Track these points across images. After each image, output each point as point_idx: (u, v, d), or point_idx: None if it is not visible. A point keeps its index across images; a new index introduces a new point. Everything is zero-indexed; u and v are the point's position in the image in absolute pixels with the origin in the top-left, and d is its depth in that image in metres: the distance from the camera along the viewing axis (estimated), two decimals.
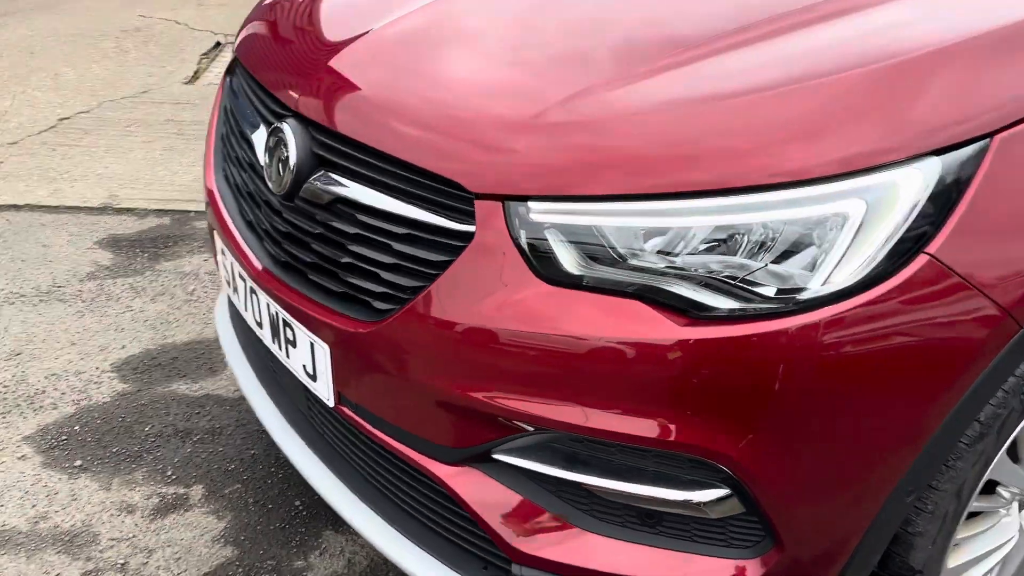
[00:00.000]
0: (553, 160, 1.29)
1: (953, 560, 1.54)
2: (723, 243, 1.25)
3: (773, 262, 1.24)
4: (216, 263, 1.96)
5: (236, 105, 1.89)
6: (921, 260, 1.21)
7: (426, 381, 1.36)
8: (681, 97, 1.32)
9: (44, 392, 2.53)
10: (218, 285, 3.01)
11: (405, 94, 1.47)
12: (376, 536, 1.56)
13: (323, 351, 1.51)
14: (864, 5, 1.42)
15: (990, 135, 1.24)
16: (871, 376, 1.23)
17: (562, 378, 1.25)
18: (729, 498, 1.28)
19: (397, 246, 1.39)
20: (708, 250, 1.25)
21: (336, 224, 1.47)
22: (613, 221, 1.27)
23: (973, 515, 1.57)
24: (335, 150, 1.50)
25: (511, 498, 1.37)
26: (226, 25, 5.73)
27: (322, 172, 1.52)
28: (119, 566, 1.98)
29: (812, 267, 1.22)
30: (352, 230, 1.45)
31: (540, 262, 1.27)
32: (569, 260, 1.27)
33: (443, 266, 1.32)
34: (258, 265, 1.67)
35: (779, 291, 1.23)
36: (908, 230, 1.21)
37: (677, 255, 1.26)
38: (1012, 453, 1.50)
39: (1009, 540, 1.63)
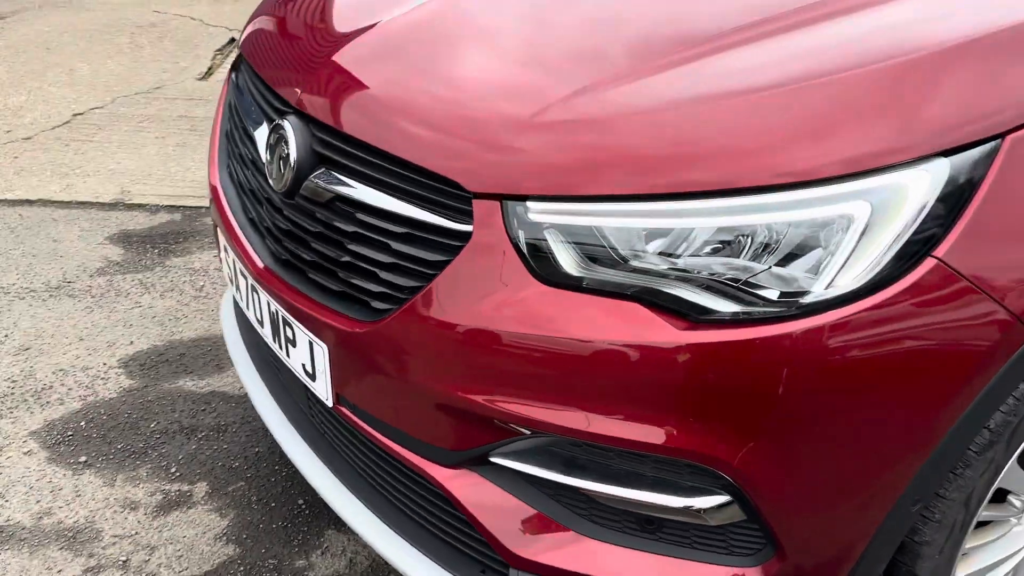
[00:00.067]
0: (552, 159, 1.27)
1: (962, 570, 1.50)
2: (726, 245, 1.22)
3: (777, 264, 1.21)
4: (220, 260, 1.95)
5: (240, 102, 1.88)
6: (928, 264, 1.18)
7: (423, 382, 1.34)
8: (684, 95, 1.29)
9: (51, 387, 2.53)
10: (226, 282, 3.01)
11: (404, 92, 1.45)
12: (374, 537, 1.55)
13: (322, 350, 1.49)
14: (873, 2, 1.39)
15: (1001, 136, 1.20)
16: (876, 383, 1.20)
17: (559, 381, 1.23)
18: (729, 505, 1.26)
19: (395, 245, 1.37)
20: (711, 252, 1.23)
21: (336, 222, 1.46)
22: (614, 222, 1.25)
23: (982, 524, 1.53)
24: (335, 147, 1.49)
25: (509, 502, 1.35)
26: (241, 21, 5.73)
27: (322, 170, 1.51)
28: (121, 563, 1.98)
29: (816, 270, 1.19)
30: (351, 229, 1.44)
31: (538, 263, 1.25)
32: (568, 261, 1.25)
33: (441, 266, 1.31)
34: (259, 263, 1.66)
35: (782, 294, 1.20)
36: (915, 233, 1.18)
37: (679, 256, 1.23)
38: (1023, 461, 1.47)
39: (1020, 550, 1.60)
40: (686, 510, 1.27)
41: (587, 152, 1.26)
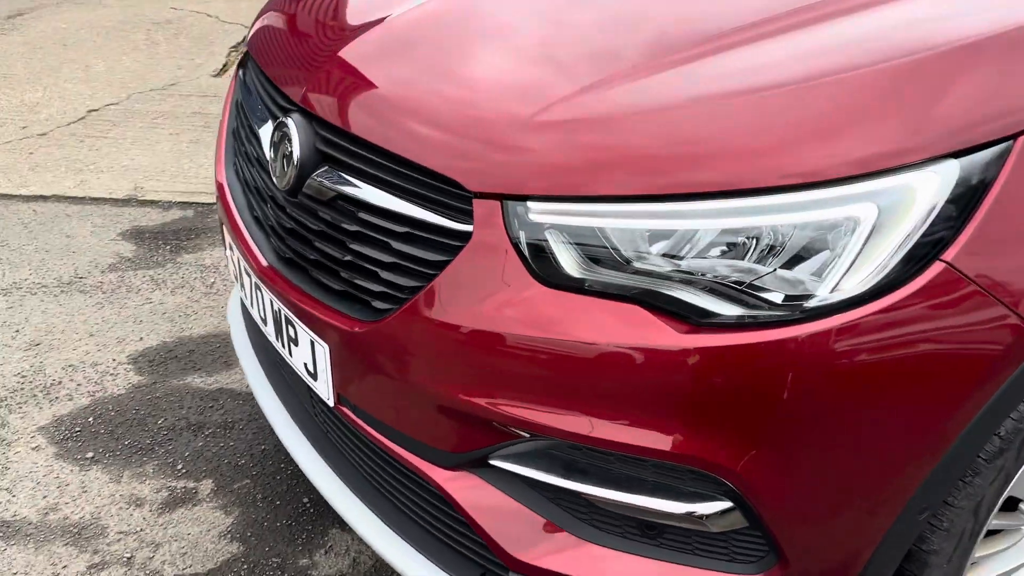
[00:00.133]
0: (553, 159, 1.25)
1: None
2: (731, 247, 1.20)
3: (782, 267, 1.19)
4: (226, 258, 1.95)
5: (247, 99, 1.87)
6: (937, 268, 1.15)
7: (421, 383, 1.33)
8: (688, 94, 1.27)
9: (60, 383, 2.54)
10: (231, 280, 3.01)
11: (406, 90, 1.44)
12: (374, 538, 1.54)
13: (323, 350, 1.49)
14: (884, 0, 1.36)
15: (1013, 137, 1.18)
16: (882, 389, 1.18)
17: (558, 384, 1.22)
18: (731, 512, 1.24)
19: (396, 245, 1.36)
20: (715, 254, 1.20)
21: (337, 221, 1.45)
22: (616, 222, 1.23)
23: (992, 533, 1.51)
24: (338, 146, 1.48)
25: (508, 505, 1.34)
26: None
27: (325, 168, 1.50)
28: (125, 560, 1.98)
29: (822, 273, 1.17)
30: (353, 227, 1.43)
31: (539, 264, 1.23)
32: (569, 262, 1.23)
33: (441, 266, 1.29)
34: (263, 261, 1.65)
35: (787, 298, 1.18)
36: (923, 236, 1.15)
37: (682, 258, 1.21)
38: None
39: None
40: (687, 516, 1.25)
41: (589, 152, 1.25)
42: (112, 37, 5.51)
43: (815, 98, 1.22)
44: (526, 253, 1.24)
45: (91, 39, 5.47)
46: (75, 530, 2.05)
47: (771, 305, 1.19)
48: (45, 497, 2.14)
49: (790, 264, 1.19)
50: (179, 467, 2.25)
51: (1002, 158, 1.17)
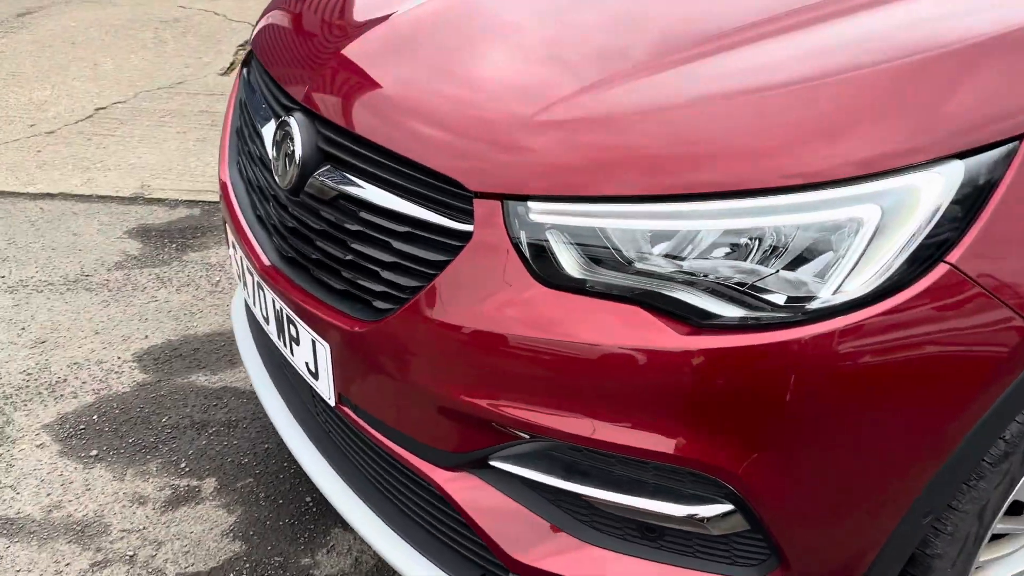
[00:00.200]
0: (554, 159, 1.24)
1: None
2: (734, 247, 1.19)
3: (784, 268, 1.18)
4: (229, 257, 1.95)
5: (250, 98, 1.87)
6: (941, 270, 1.14)
7: (422, 383, 1.32)
8: (690, 94, 1.26)
9: (65, 380, 2.55)
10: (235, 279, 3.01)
11: (408, 89, 1.43)
12: (375, 537, 1.54)
13: (324, 349, 1.48)
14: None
15: (1019, 138, 1.16)
16: (885, 392, 1.17)
17: (558, 385, 1.21)
18: (732, 514, 1.23)
19: (397, 244, 1.36)
20: (717, 255, 1.20)
21: (339, 220, 1.45)
22: (618, 223, 1.22)
23: (997, 537, 1.49)
24: (339, 145, 1.47)
25: (509, 506, 1.33)
26: None
27: (327, 167, 1.49)
28: (128, 558, 1.98)
29: (824, 275, 1.16)
30: (354, 227, 1.42)
31: (539, 264, 1.22)
32: (570, 262, 1.22)
33: (442, 266, 1.29)
34: (265, 260, 1.65)
35: (789, 299, 1.17)
36: (927, 238, 1.14)
37: (684, 259, 1.20)
38: None
39: None
40: (688, 519, 1.24)
41: (590, 152, 1.24)
42: (120, 35, 5.52)
43: (818, 98, 1.21)
44: (527, 253, 1.23)
45: (99, 37, 5.49)
46: (78, 528, 2.06)
47: (773, 307, 1.18)
48: (49, 495, 2.15)
49: (793, 265, 1.18)
50: (182, 465, 2.25)
51: (1008, 159, 1.16)
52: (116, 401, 2.47)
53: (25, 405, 2.45)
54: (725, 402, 1.17)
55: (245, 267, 1.75)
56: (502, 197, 1.24)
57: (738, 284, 1.19)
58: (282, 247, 1.62)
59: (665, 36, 1.40)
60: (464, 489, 1.35)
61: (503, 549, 1.33)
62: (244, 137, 1.87)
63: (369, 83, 1.47)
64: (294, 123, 1.53)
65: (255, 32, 1.98)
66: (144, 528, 2.06)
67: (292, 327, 1.58)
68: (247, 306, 2.06)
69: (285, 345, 1.64)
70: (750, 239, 1.19)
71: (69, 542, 2.02)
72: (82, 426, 2.37)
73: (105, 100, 4.57)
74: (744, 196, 1.19)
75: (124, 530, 2.05)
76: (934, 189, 1.14)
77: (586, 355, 1.18)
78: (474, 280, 1.25)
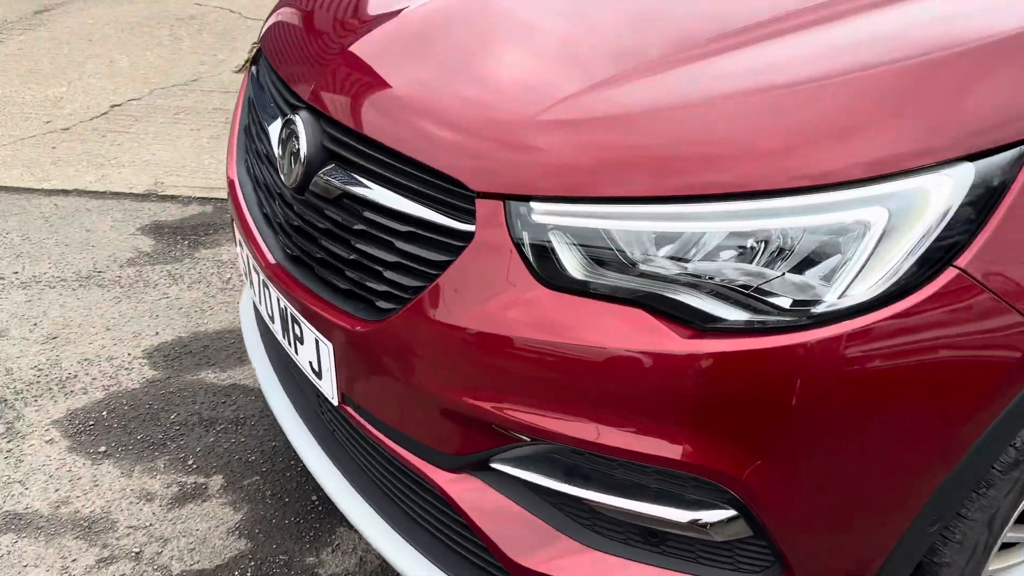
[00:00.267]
0: (557, 159, 1.23)
1: None
2: (739, 250, 1.17)
3: (791, 271, 1.16)
4: (237, 254, 1.95)
5: (258, 96, 1.87)
6: (950, 274, 1.12)
7: (422, 384, 1.31)
8: (696, 93, 1.24)
9: (76, 377, 2.56)
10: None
11: (410, 88, 1.42)
12: (377, 537, 1.53)
13: (327, 349, 1.48)
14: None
15: None
16: (892, 397, 1.15)
17: (559, 388, 1.20)
18: (735, 520, 1.21)
19: (400, 244, 1.35)
20: (723, 257, 1.18)
21: (343, 219, 1.44)
22: (621, 224, 1.20)
23: (1008, 546, 1.47)
24: (344, 143, 1.46)
25: (510, 509, 1.32)
26: None
27: (332, 166, 1.49)
28: (134, 554, 1.99)
29: (830, 278, 1.14)
30: (358, 226, 1.41)
31: (541, 265, 1.21)
32: (572, 264, 1.21)
33: (444, 266, 1.28)
34: (270, 258, 1.65)
35: (795, 302, 1.15)
36: (935, 241, 1.12)
37: (689, 261, 1.19)
38: None
39: None
40: (690, 524, 1.23)
41: (593, 152, 1.22)
42: (136, 32, 5.55)
43: (826, 98, 1.19)
44: (529, 254, 1.22)
45: (116, 34, 5.52)
46: (85, 524, 2.06)
47: (779, 310, 1.16)
48: (57, 490, 2.16)
49: (799, 268, 1.16)
50: (190, 462, 2.26)
51: (1019, 161, 1.14)
52: (126, 397, 2.48)
53: (35, 401, 2.46)
54: (728, 406, 1.16)
55: (251, 265, 1.75)
56: (504, 197, 1.23)
57: (743, 287, 1.17)
58: (287, 245, 1.61)
59: (672, 35, 1.38)
60: (465, 491, 1.34)
61: (504, 552, 1.32)
62: (252, 135, 1.87)
63: (373, 82, 1.46)
64: (299, 121, 1.53)
65: (264, 30, 1.98)
66: (151, 525, 2.06)
67: (296, 326, 1.57)
68: (255, 304, 2.06)
69: (290, 344, 1.64)
70: (756, 241, 1.17)
71: (76, 538, 2.03)
72: (91, 422, 2.38)
73: (120, 97, 4.60)
74: (751, 198, 1.17)
75: (131, 527, 2.06)
76: (943, 191, 1.12)
77: (587, 357, 1.17)
78: (476, 281, 1.24)
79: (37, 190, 3.67)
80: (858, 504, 1.20)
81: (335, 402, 1.53)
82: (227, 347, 2.71)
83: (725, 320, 1.16)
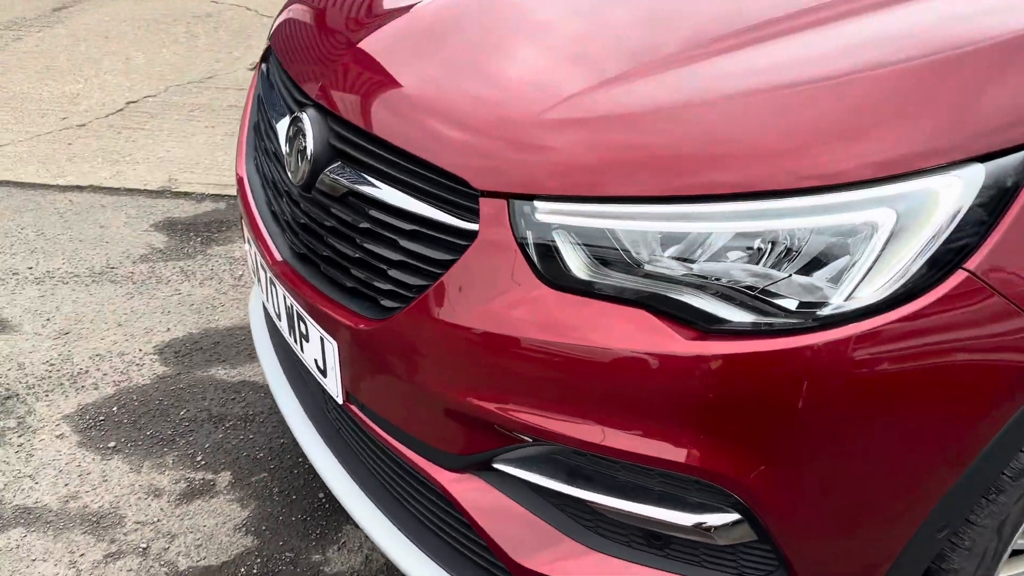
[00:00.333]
0: (561, 158, 1.22)
1: None
2: (746, 251, 1.16)
3: (797, 273, 1.15)
4: (245, 252, 1.95)
5: (267, 94, 1.87)
6: (959, 277, 1.10)
7: (425, 382, 1.31)
8: (703, 93, 1.23)
9: (87, 372, 2.57)
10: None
11: (416, 87, 1.41)
12: (380, 535, 1.53)
13: (332, 347, 1.47)
14: None
15: None
16: (900, 401, 1.13)
17: (561, 389, 1.19)
18: (739, 524, 1.20)
19: (404, 243, 1.34)
20: (729, 258, 1.17)
21: (348, 217, 1.44)
22: (626, 224, 1.19)
23: (1018, 553, 1.44)
24: (350, 141, 1.46)
25: (513, 510, 1.31)
26: None
27: (338, 163, 1.48)
28: (141, 550, 1.99)
29: (838, 280, 1.13)
30: (363, 224, 1.41)
31: (545, 265, 1.20)
32: (576, 263, 1.20)
33: (447, 265, 1.27)
34: (277, 255, 1.65)
35: (801, 305, 1.14)
36: (944, 243, 1.10)
37: (695, 262, 1.17)
38: None
39: None
40: (693, 528, 1.21)
41: (597, 151, 1.21)
42: (153, 30, 5.58)
43: (834, 98, 1.17)
44: (532, 254, 1.21)
45: (132, 32, 5.55)
46: (94, 519, 2.07)
47: (785, 312, 1.14)
48: (66, 485, 2.17)
49: (806, 270, 1.15)
50: (199, 459, 2.26)
51: None
52: (136, 393, 2.49)
53: (47, 395, 2.47)
54: (733, 409, 1.14)
55: (259, 262, 1.75)
56: (508, 196, 1.22)
57: (749, 288, 1.16)
58: (294, 243, 1.61)
59: (677, 34, 1.36)
60: (468, 491, 1.33)
61: (506, 553, 1.32)
62: (261, 132, 1.87)
63: (381, 80, 1.45)
64: (306, 119, 1.53)
65: (273, 27, 1.98)
66: (158, 521, 2.07)
67: (302, 324, 1.57)
68: (263, 302, 2.07)
69: (296, 342, 1.64)
70: (763, 242, 1.16)
71: (84, 533, 2.04)
72: (101, 417, 2.40)
73: (136, 94, 4.62)
74: (758, 198, 1.15)
75: (138, 522, 2.07)
76: (953, 193, 1.10)
77: (590, 358, 1.16)
78: (479, 280, 1.24)
79: (52, 186, 3.69)
80: (864, 509, 1.19)
81: (340, 400, 1.52)
82: (237, 343, 2.72)
83: (730, 322, 1.15)
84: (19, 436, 2.32)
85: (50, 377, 2.55)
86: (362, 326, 1.38)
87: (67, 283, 3.01)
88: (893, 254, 1.11)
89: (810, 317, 1.13)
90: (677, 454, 1.15)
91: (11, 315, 2.82)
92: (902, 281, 1.11)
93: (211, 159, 3.95)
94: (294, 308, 1.59)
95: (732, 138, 1.18)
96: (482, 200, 1.23)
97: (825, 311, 1.12)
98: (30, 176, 3.76)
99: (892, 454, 1.15)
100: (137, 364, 2.61)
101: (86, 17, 5.80)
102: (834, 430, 1.14)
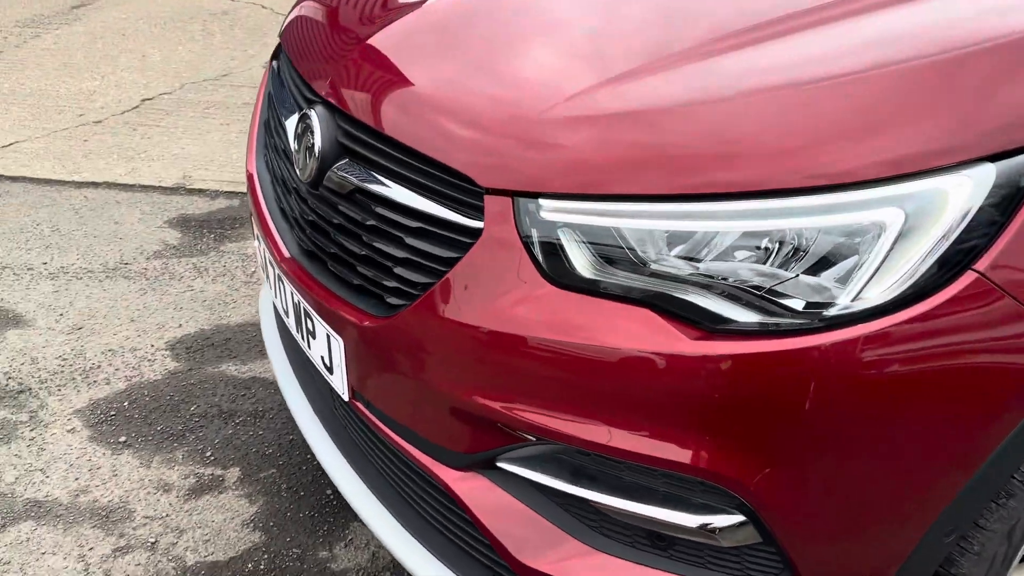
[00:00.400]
0: (566, 156, 1.21)
1: None
2: (753, 250, 1.15)
3: (805, 272, 1.13)
4: (255, 248, 1.96)
5: (277, 91, 1.87)
6: (968, 278, 1.09)
7: (429, 380, 1.31)
8: (710, 91, 1.21)
9: (99, 367, 2.59)
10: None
11: (422, 84, 1.41)
12: (385, 532, 1.53)
13: (338, 344, 1.47)
14: None
15: None
16: (908, 403, 1.12)
17: (564, 388, 1.18)
18: (744, 526, 1.19)
19: (410, 240, 1.34)
20: (736, 257, 1.16)
21: (355, 214, 1.44)
22: (633, 223, 1.18)
23: None
24: (357, 139, 1.46)
25: (516, 508, 1.31)
26: None
27: (345, 161, 1.48)
28: (149, 544, 2.00)
29: (845, 280, 1.11)
30: (369, 221, 1.41)
31: (550, 263, 1.20)
32: (581, 262, 1.19)
33: (452, 263, 1.27)
34: (285, 252, 1.65)
35: (808, 305, 1.13)
36: (954, 244, 1.09)
37: (701, 261, 1.17)
38: None
39: None
40: (697, 529, 1.20)
41: (603, 149, 1.20)
42: (169, 27, 5.61)
43: (842, 97, 1.16)
44: (537, 252, 1.20)
45: (149, 29, 5.58)
46: (103, 513, 2.09)
47: (792, 312, 1.13)
48: (77, 479, 2.18)
49: (814, 269, 1.13)
50: (208, 454, 2.27)
51: None
52: (147, 388, 2.51)
53: (59, 390, 2.49)
54: (738, 410, 1.13)
55: (267, 259, 1.75)
56: (513, 194, 1.21)
57: (756, 288, 1.14)
58: (302, 240, 1.61)
59: (685, 31, 1.35)
60: (472, 489, 1.33)
61: (510, 552, 1.31)
62: (270, 130, 1.87)
63: (388, 77, 1.45)
64: (315, 116, 1.53)
65: (284, 25, 1.98)
66: (167, 515, 2.08)
67: (309, 320, 1.57)
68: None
69: (303, 339, 1.64)
70: (771, 242, 1.15)
71: (93, 527, 2.05)
72: (113, 412, 2.41)
73: (152, 91, 4.65)
74: (765, 197, 1.14)
75: (147, 517, 2.08)
76: (962, 193, 1.09)
77: (594, 357, 1.15)
78: (483, 278, 1.23)
79: (68, 182, 3.72)
80: (870, 512, 1.17)
81: (346, 397, 1.52)
82: (248, 340, 2.73)
83: (737, 322, 1.14)
84: (31, 430, 2.34)
85: (62, 372, 2.56)
86: (368, 323, 1.38)
87: (81, 278, 3.03)
88: (902, 254, 1.09)
89: (817, 317, 1.11)
90: (682, 455, 1.15)
91: (25, 310, 2.84)
92: (911, 282, 1.09)
93: (225, 156, 3.97)
94: (301, 305, 1.59)
95: (740, 136, 1.17)
96: (487, 198, 1.23)
97: (832, 311, 1.11)
98: (46, 172, 3.79)
99: (899, 457, 1.14)
100: (149, 360, 2.63)
101: (104, 15, 5.84)
102: (840, 432, 1.13)
